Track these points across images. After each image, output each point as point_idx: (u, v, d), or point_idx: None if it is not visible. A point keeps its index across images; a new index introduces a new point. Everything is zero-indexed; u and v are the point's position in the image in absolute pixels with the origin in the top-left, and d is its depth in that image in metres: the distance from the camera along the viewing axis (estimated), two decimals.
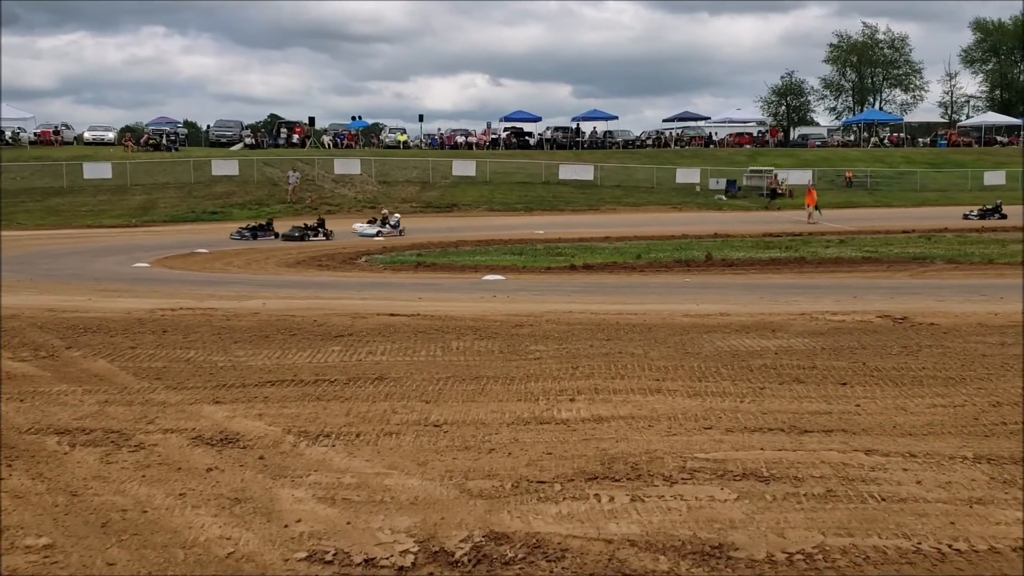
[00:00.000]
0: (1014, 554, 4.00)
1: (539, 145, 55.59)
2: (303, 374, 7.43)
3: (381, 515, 4.45)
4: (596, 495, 4.70)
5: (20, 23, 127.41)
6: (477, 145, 55.20)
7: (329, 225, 30.47)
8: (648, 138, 58.90)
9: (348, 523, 4.34)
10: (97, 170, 42.75)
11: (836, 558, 3.96)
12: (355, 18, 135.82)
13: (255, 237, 29.26)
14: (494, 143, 55.45)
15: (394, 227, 31.12)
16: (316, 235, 29.34)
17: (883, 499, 4.64)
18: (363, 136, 57.54)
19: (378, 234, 30.25)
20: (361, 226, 31.51)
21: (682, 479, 4.93)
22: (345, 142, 54.39)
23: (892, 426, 5.93)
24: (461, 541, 4.13)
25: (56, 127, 54.14)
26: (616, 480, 4.93)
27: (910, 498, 4.65)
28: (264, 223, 30.76)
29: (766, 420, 6.03)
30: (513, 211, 41.00)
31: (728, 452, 5.37)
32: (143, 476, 5.02)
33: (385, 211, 33.30)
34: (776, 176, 42.62)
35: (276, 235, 29.45)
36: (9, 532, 4.23)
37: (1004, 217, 33.61)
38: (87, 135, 54.82)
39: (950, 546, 4.08)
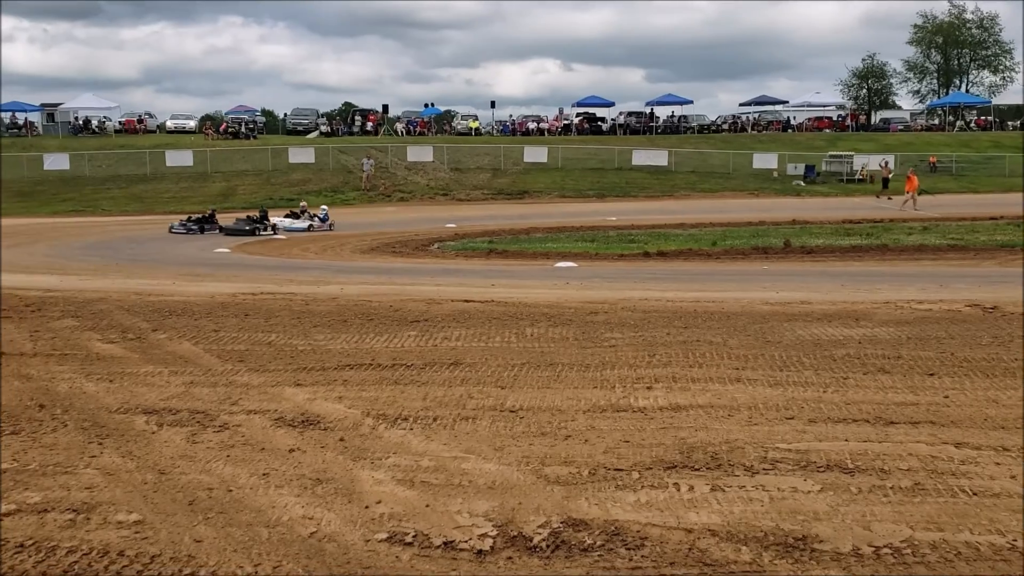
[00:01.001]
0: None
1: (612, 131, 55.10)
2: (381, 358, 7.52)
3: (459, 498, 4.47)
4: (675, 484, 4.64)
5: (102, 15, 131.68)
6: (549, 131, 54.99)
7: (402, 213, 30.62)
8: (724, 123, 57.84)
9: (427, 505, 4.38)
10: (179, 158, 43.98)
11: (926, 553, 3.83)
12: (424, 5, 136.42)
13: (202, 231, 27.00)
14: (566, 129, 55.16)
15: (323, 221, 28.77)
16: (264, 229, 27.15)
17: (975, 493, 4.47)
18: (435, 123, 57.89)
19: (309, 228, 28.10)
20: (284, 220, 28.51)
21: (764, 469, 4.84)
22: (418, 129, 54.79)
23: (983, 419, 5.72)
24: (539, 527, 4.13)
25: (140, 116, 55.84)
26: (695, 469, 4.86)
27: (1004, 493, 4.48)
28: (207, 214, 28.45)
29: (850, 411, 5.88)
30: (585, 198, 40.79)
31: (811, 443, 5.25)
32: (228, 456, 5.15)
33: (304, 203, 30.45)
34: (887, 164, 41.04)
35: (220, 228, 27.18)
36: (101, 508, 4.38)
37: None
38: (169, 124, 56.44)
39: None
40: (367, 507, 4.38)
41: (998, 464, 4.90)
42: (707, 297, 10.92)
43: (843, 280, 13.87)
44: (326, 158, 44.57)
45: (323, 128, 54.58)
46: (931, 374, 6.81)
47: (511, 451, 5.18)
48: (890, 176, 37.63)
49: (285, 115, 60.03)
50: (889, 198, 34.51)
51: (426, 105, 62.05)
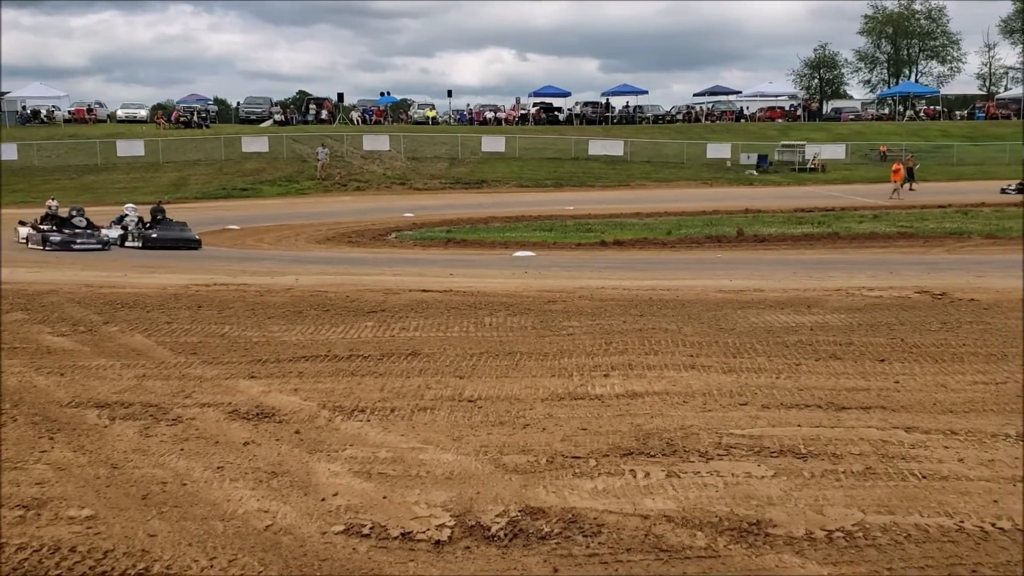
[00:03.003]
0: None
1: (568, 120, 55.22)
2: (337, 349, 7.46)
3: (417, 489, 4.46)
4: (632, 471, 4.68)
5: (49, 3, 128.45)
6: (506, 121, 54.94)
7: (359, 203, 30.32)
8: (678, 113, 58.27)
9: (384, 497, 4.36)
10: (130, 148, 43.11)
11: (877, 536, 3.91)
12: None
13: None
14: (523, 119, 55.15)
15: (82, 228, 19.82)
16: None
17: (924, 477, 4.57)
18: (391, 112, 57.52)
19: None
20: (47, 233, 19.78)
21: (718, 455, 4.90)
22: (374, 118, 54.39)
23: (932, 403, 5.85)
24: (497, 516, 4.14)
25: (90, 105, 54.61)
26: (651, 456, 4.91)
27: (952, 476, 4.59)
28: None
29: (803, 396, 5.97)
30: (542, 187, 40.84)
31: (765, 428, 5.32)
32: (181, 449, 5.08)
33: (52, 201, 21.25)
34: (911, 156, 41.14)
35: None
36: (52, 503, 4.29)
37: None
38: (120, 113, 55.27)
39: (993, 524, 4.01)
40: (323, 499, 4.35)
41: (946, 448, 5.01)
42: (662, 285, 11.01)
43: (795, 268, 14.08)
44: (280, 147, 44.04)
45: (277, 117, 53.87)
46: (881, 360, 6.94)
47: (469, 441, 5.18)
48: (915, 167, 37.85)
49: (238, 104, 59.16)
50: (912, 188, 34.92)
51: (382, 94, 61.60)
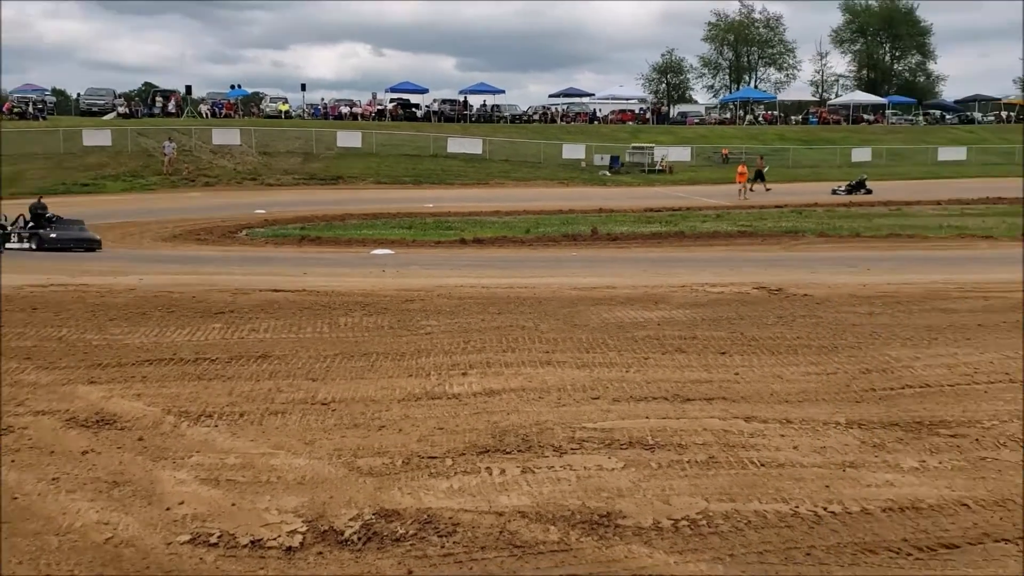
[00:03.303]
0: (884, 515, 4.22)
1: (426, 117, 55.00)
2: (183, 352, 7.17)
3: (267, 495, 4.35)
4: (487, 468, 4.72)
5: None
6: (363, 116, 54.16)
7: (208, 199, 29.09)
8: (535, 113, 59.11)
9: (233, 504, 4.23)
10: None
11: (719, 523, 4.10)
12: None
13: None
14: (380, 114, 54.56)
15: None
16: None
17: (762, 464, 4.83)
18: (242, 105, 55.61)
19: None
20: None
21: (571, 449, 5.01)
22: (224, 111, 52.44)
23: (769, 393, 6.18)
24: (351, 519, 4.09)
25: None
26: (507, 453, 4.96)
27: (787, 463, 4.86)
28: None
29: (651, 389, 6.19)
30: (401, 184, 40.49)
31: (615, 421, 5.48)
32: (13, 461, 4.76)
33: None
34: (762, 158, 42.67)
35: None
36: None
37: (870, 192, 35.28)
38: None
39: (825, 508, 4.28)
40: (168, 509, 4.18)
41: (783, 436, 5.30)
42: (520, 283, 11.16)
43: (645, 265, 14.56)
44: (124, 140, 41.80)
45: (121, 109, 51.09)
46: (723, 353, 7.27)
47: (322, 444, 5.08)
48: (765, 168, 39.52)
49: (79, 95, 55.73)
50: (752, 189, 36.41)
51: (232, 87, 59.51)
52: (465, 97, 58.29)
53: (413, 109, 56.00)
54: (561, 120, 57.04)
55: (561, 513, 4.17)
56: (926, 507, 4.31)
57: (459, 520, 4.08)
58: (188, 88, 54.66)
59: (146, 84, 69.45)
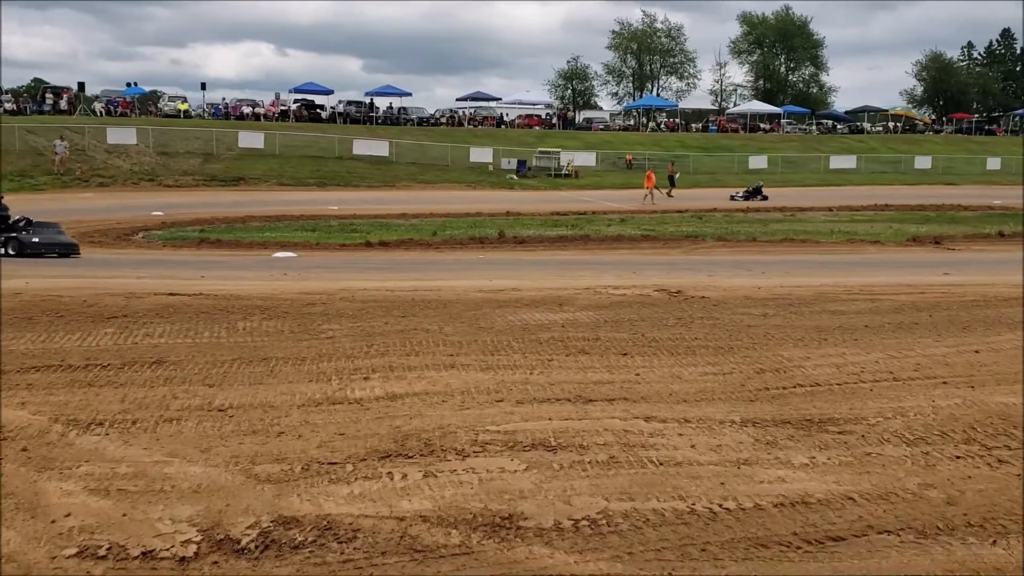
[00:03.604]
0: (775, 510, 4.36)
1: (331, 119, 54.31)
2: (72, 359, 6.87)
3: (160, 505, 4.21)
4: (389, 473, 4.68)
5: None
6: (265, 116, 53.13)
7: (102, 200, 27.97)
8: (442, 116, 59.05)
9: (124, 515, 4.08)
10: None
11: (619, 522, 4.16)
12: None
13: None
14: (283, 115, 53.58)
15: None
16: None
17: (661, 463, 4.92)
18: (139, 104, 53.86)
19: None
20: None
21: (474, 452, 5.01)
22: (119, 110, 50.66)
23: (668, 393, 6.31)
24: (248, 528, 3.99)
25: None
26: (409, 457, 4.93)
27: (685, 461, 4.97)
28: None
29: (554, 391, 6.24)
30: (305, 186, 39.87)
31: (518, 423, 5.50)
32: None
33: None
34: (673, 164, 43.35)
35: None
36: None
37: (766, 198, 36.48)
38: None
39: (720, 505, 4.39)
40: (54, 521, 4.00)
41: (681, 435, 5.41)
42: (425, 286, 11.10)
43: (550, 268, 14.71)
44: (12, 138, 39.85)
45: (8, 105, 48.79)
46: (624, 354, 7.39)
47: (219, 452, 4.95)
48: (676, 175, 40.27)
49: None
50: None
51: (128, 84, 57.58)
52: (371, 99, 57.83)
53: (318, 110, 55.28)
54: (468, 124, 57.14)
55: (463, 516, 4.16)
56: (815, 501, 4.46)
57: (359, 526, 4.03)
58: (81, 85, 52.76)
59: (35, 80, 66.50)
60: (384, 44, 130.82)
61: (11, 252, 16.33)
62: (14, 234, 16.72)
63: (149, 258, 17.44)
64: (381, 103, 57.77)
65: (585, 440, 5.23)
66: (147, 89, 60.29)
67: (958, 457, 5.14)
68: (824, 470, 4.91)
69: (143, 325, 8.17)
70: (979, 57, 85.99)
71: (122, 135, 42.45)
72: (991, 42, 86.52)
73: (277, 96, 57.57)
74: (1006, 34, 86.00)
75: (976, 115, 72.45)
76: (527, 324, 8.50)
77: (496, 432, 5.33)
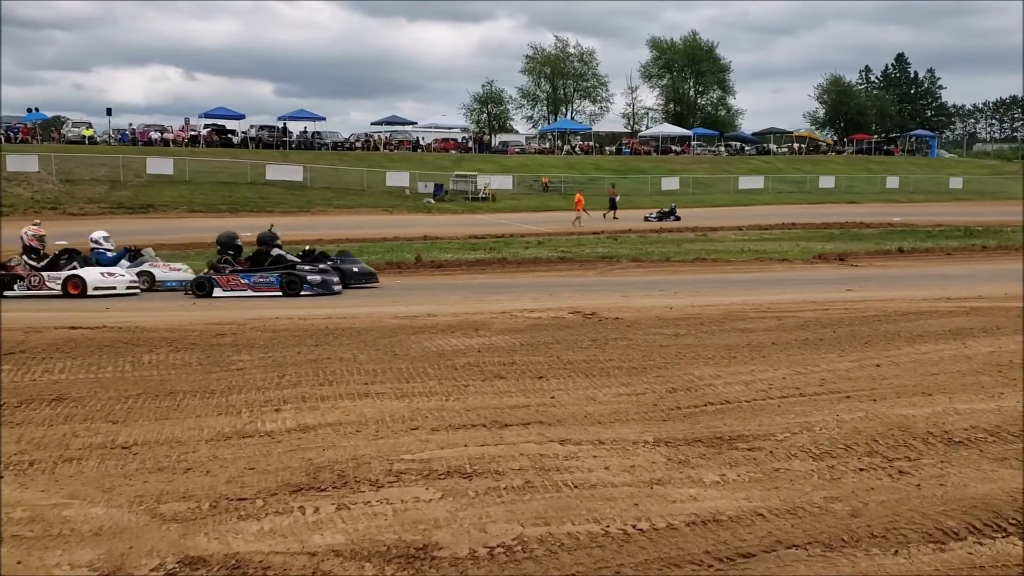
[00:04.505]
0: (687, 529, 4.41)
1: (243, 144, 53.42)
2: None
3: (59, 550, 4.03)
4: (300, 507, 4.58)
5: None
6: (174, 142, 51.96)
7: (6, 228, 26.80)
8: (357, 140, 58.71)
9: (19, 562, 3.89)
10: None
11: (534, 548, 4.15)
12: (22, 3, 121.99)
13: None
14: (193, 140, 52.49)
15: None
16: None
17: (576, 486, 4.94)
18: (41, 130, 52.07)
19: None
20: None
21: (388, 482, 4.95)
22: (20, 136, 48.88)
23: (583, 416, 6.35)
24: (152, 570, 3.85)
25: None
26: (322, 490, 4.84)
27: (599, 483, 4.99)
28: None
29: (470, 417, 6.22)
30: (217, 212, 39.04)
31: (434, 451, 5.46)
32: None
33: None
34: (614, 187, 43.66)
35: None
36: None
37: (679, 219, 37.27)
38: None
39: (634, 526, 4.42)
40: None
41: (595, 457, 5.45)
42: (340, 313, 10.98)
43: (467, 292, 14.70)
44: None
45: None
46: (540, 377, 7.43)
47: (122, 491, 4.77)
48: (617, 197, 40.76)
49: None
50: (615, 217, 37.38)
51: (29, 110, 55.61)
52: (284, 123, 57.13)
53: (229, 135, 54.35)
54: (384, 148, 56.92)
55: (377, 549, 4.10)
56: (726, 519, 4.53)
57: (270, 563, 3.93)
58: None
59: None
60: (296, 68, 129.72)
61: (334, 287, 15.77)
62: (335, 264, 16.60)
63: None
64: (294, 127, 57.13)
65: (501, 466, 5.21)
66: (49, 115, 58.35)
67: (861, 470, 5.29)
68: (734, 487, 5.00)
69: (42, 361, 7.85)
70: (876, 80, 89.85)
71: (23, 162, 40.95)
72: (887, 66, 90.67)
73: (186, 121, 56.41)
74: (900, 59, 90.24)
75: (875, 136, 75.57)
76: (443, 350, 8.46)
77: (411, 461, 5.28)
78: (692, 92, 77.00)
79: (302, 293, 15.08)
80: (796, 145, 70.57)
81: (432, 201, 44.75)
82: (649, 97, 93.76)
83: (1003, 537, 4.29)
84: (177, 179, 43.21)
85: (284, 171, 45.48)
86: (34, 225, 17.23)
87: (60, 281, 15.32)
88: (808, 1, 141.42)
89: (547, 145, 65.90)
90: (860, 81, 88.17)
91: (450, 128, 64.46)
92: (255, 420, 6.16)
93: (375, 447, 5.56)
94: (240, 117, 57.02)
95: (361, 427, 6.00)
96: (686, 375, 7.57)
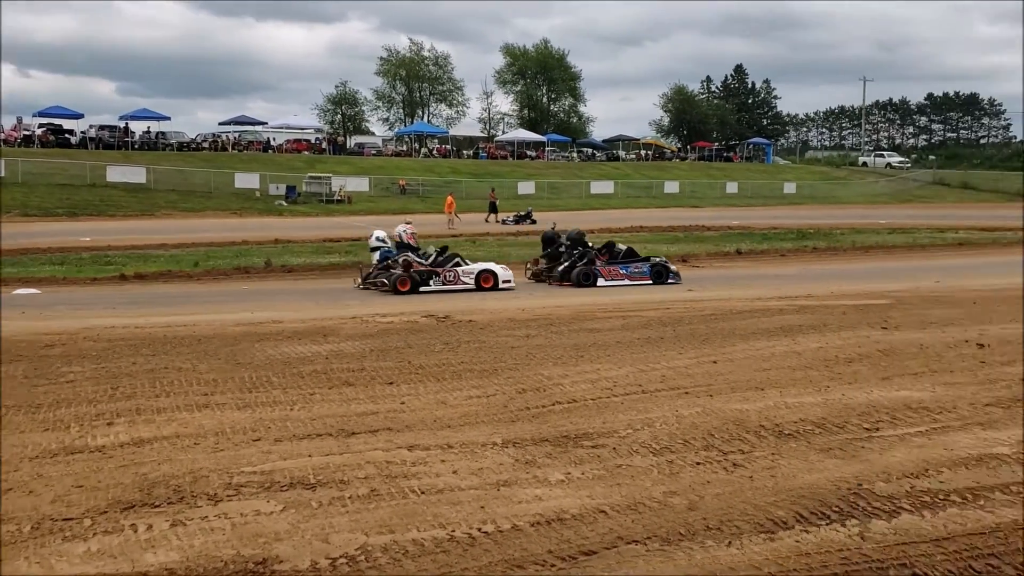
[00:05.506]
0: (532, 529, 4.47)
1: (82, 144, 50.46)
2: None
3: None
4: (132, 525, 4.37)
5: None
6: (6, 142, 48.52)
7: None
8: (204, 141, 56.55)
9: None
10: None
11: (378, 557, 4.11)
12: None
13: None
14: (27, 140, 49.19)
15: None
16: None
17: (423, 492, 4.92)
18: None
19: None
20: None
21: (228, 496, 4.79)
22: None
23: (433, 420, 6.34)
24: None
25: None
26: (156, 506, 4.63)
27: (447, 488, 5.00)
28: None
29: (315, 426, 6.10)
30: (53, 216, 36.64)
31: (276, 462, 5.32)
32: None
33: None
34: (494, 191, 43.06)
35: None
36: None
37: (534, 222, 37.75)
38: None
39: (480, 529, 4.44)
40: None
41: (443, 462, 5.45)
42: (179, 321, 10.53)
43: (318, 298, 14.40)
44: None
45: None
46: (390, 383, 7.37)
47: None
48: (496, 201, 40.55)
49: None
50: (502, 221, 37.04)
51: None
52: (126, 123, 54.40)
53: (66, 135, 51.24)
54: (233, 148, 55.08)
55: (213, 565, 3.96)
56: (569, 517, 4.62)
57: None
58: None
59: None
60: (139, 66, 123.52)
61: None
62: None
63: None
64: (137, 127, 54.42)
65: (346, 475, 5.14)
66: None
67: (698, 463, 5.52)
68: (579, 485, 5.11)
69: None
70: (717, 90, 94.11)
71: None
72: (726, 76, 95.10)
73: (19, 120, 52.79)
74: (739, 70, 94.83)
75: (716, 143, 79.12)
76: (289, 357, 8.27)
77: (252, 473, 5.12)
78: (545, 99, 78.35)
79: None
80: (643, 152, 73.01)
81: (284, 203, 43.60)
82: (504, 102, 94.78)
83: (827, 524, 4.56)
84: (9, 181, 40.30)
85: (126, 172, 43.24)
86: (407, 223, 18.01)
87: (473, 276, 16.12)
88: (657, 4, 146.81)
89: (404, 148, 65.51)
90: (702, 91, 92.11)
91: (303, 129, 63.06)
92: (85, 435, 5.83)
93: (214, 460, 5.37)
94: (79, 116, 53.89)
95: (199, 440, 5.78)
96: (536, 375, 7.69)
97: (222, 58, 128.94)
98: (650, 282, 16.69)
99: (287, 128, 61.41)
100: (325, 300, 13.90)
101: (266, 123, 61.88)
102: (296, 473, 5.13)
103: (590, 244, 17.90)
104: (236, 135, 57.93)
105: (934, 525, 4.53)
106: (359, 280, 16.55)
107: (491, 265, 16.71)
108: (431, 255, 16.57)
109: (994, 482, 5.12)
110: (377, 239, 17.62)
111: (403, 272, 15.60)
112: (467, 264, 16.49)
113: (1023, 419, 6.37)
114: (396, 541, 4.27)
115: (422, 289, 15.55)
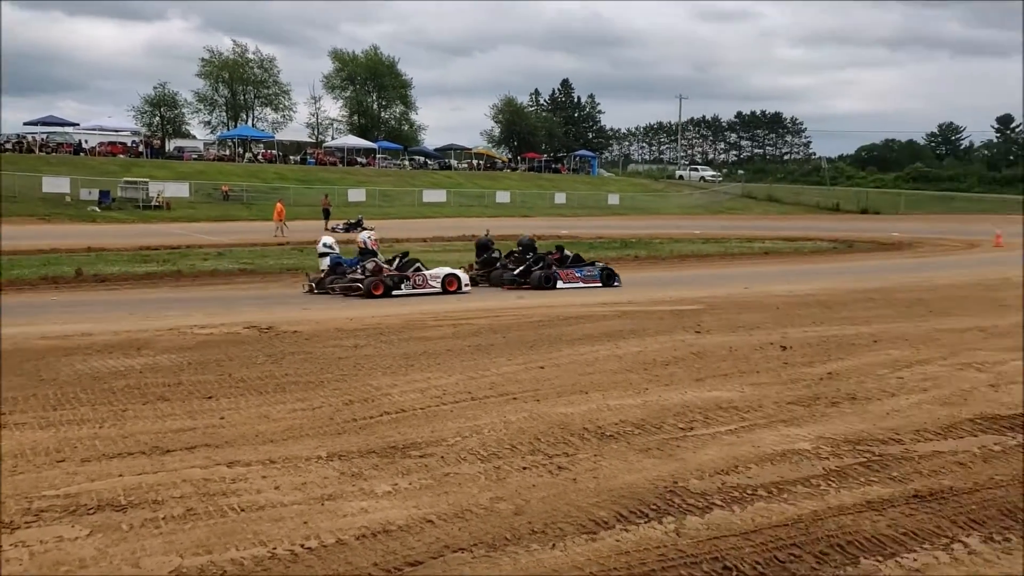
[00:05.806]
0: (357, 542, 4.40)
1: None
2: None
3: None
4: None
5: None
6: None
7: None
8: (8, 142, 52.44)
9: None
10: None
11: None
12: None
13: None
14: None
15: None
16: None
17: (243, 510, 4.75)
18: None
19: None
20: None
21: (26, 523, 4.46)
22: None
23: (255, 435, 6.14)
24: None
25: None
26: None
27: (268, 504, 4.85)
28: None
29: (127, 444, 5.78)
30: None
31: (83, 484, 5.00)
32: None
33: None
34: (327, 197, 41.39)
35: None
36: None
37: (365, 229, 37.42)
38: None
39: (302, 545, 4.33)
40: None
41: (264, 477, 5.28)
42: None
43: (132, 308, 13.62)
44: None
45: None
46: (209, 397, 7.07)
47: None
48: (330, 207, 39.33)
49: None
50: (334, 229, 35.72)
51: None
52: None
53: None
54: (40, 150, 51.38)
55: None
56: (395, 528, 4.59)
57: None
58: None
59: None
60: None
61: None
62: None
63: None
64: None
65: (160, 494, 4.89)
66: None
67: (525, 468, 5.62)
68: (406, 496, 5.09)
69: None
70: (545, 103, 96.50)
71: None
72: (553, 90, 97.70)
73: None
74: (566, 84, 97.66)
75: (545, 155, 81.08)
76: (99, 372, 7.79)
77: (55, 497, 4.79)
78: (376, 105, 77.70)
79: None
80: (475, 161, 73.79)
81: (97, 209, 41.06)
82: (333, 108, 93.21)
83: (645, 522, 4.75)
84: None
85: None
86: (370, 230, 19.13)
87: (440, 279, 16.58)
88: (482, 16, 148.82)
89: (227, 152, 63.14)
90: (531, 103, 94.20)
91: (118, 131, 59.65)
92: None
93: (11, 485, 4.98)
94: None
95: None
96: (364, 386, 7.59)
97: (27, 54, 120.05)
98: (600, 285, 17.89)
99: (101, 130, 58.00)
100: (141, 311, 13.17)
101: (77, 124, 58.12)
102: (105, 495, 4.83)
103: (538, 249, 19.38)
104: (44, 136, 54.09)
105: (743, 519, 4.81)
106: (308, 284, 16.97)
107: (454, 270, 17.36)
108: (394, 261, 17.06)
109: (796, 476, 5.49)
110: (325, 245, 18.49)
111: (375, 277, 15.96)
112: (426, 269, 16.93)
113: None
114: (213, 562, 4.10)
115: (394, 293, 15.92)
